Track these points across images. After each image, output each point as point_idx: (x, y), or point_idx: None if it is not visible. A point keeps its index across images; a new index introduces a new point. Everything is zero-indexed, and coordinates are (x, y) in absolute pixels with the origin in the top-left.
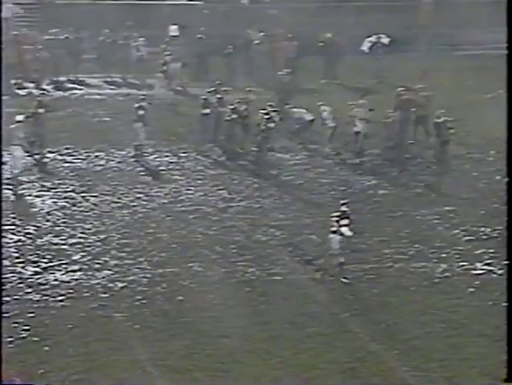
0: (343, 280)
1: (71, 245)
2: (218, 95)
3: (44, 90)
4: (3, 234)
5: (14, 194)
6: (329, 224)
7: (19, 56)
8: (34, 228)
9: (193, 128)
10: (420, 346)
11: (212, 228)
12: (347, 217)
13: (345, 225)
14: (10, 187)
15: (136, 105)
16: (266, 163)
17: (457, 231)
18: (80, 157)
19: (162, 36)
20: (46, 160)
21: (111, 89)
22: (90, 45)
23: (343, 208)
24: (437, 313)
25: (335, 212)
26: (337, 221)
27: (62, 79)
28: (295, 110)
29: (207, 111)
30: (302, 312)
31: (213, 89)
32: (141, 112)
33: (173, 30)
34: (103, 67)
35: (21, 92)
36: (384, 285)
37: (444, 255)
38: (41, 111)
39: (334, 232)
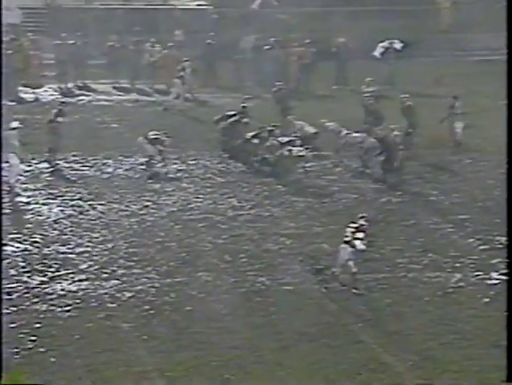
0: (354, 291)
1: (78, 254)
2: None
3: (64, 98)
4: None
5: (10, 203)
6: (341, 233)
7: (26, 62)
8: (41, 236)
9: (202, 135)
10: (434, 357)
11: (221, 237)
12: (364, 231)
13: (360, 239)
14: (8, 196)
15: (152, 136)
16: (281, 171)
17: (471, 240)
18: (88, 164)
19: (170, 41)
20: (57, 166)
21: (120, 95)
22: (98, 50)
23: (362, 222)
24: (451, 323)
25: (353, 222)
26: (353, 233)
27: (69, 85)
28: (297, 122)
29: (246, 120)
30: (313, 322)
31: (247, 97)
32: (158, 147)
33: (178, 34)
34: (112, 73)
35: (27, 98)
36: (396, 295)
37: (458, 264)
38: (60, 120)
39: (346, 242)
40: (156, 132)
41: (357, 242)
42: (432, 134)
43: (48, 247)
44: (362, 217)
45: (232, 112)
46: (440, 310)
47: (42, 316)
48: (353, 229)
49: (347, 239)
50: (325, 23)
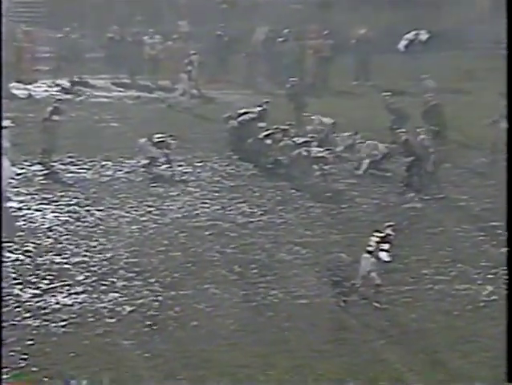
0: (376, 304)
1: (75, 264)
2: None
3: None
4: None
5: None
6: (361, 242)
7: (18, 55)
8: (34, 245)
9: (210, 135)
10: (464, 377)
11: (230, 246)
12: (390, 242)
13: (386, 251)
14: None
15: (157, 139)
16: (296, 173)
17: (504, 249)
18: (85, 167)
19: (175, 32)
20: (52, 169)
21: (120, 91)
22: (96, 43)
23: (388, 232)
24: (483, 340)
25: (377, 231)
26: (378, 242)
27: (65, 80)
28: (314, 117)
29: (263, 124)
30: (330, 339)
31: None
32: (164, 150)
33: (183, 25)
34: (111, 67)
35: (20, 95)
36: (422, 310)
37: (490, 276)
38: (55, 118)
39: (369, 252)
40: (162, 135)
41: (382, 254)
42: (463, 133)
43: (42, 257)
44: (389, 226)
45: (244, 110)
46: (471, 326)
47: (34, 332)
48: (378, 239)
49: (370, 249)
50: (344, 13)
